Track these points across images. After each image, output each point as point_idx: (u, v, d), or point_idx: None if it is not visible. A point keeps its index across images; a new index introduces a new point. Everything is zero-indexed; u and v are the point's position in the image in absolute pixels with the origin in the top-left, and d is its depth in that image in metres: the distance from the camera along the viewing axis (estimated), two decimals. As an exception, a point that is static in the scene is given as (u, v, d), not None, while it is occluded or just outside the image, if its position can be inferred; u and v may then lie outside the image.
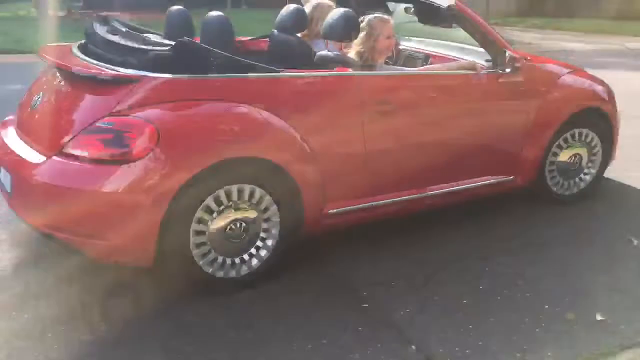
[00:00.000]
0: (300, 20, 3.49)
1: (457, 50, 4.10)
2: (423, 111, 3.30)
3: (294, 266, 2.97)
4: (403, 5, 4.16)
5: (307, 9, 3.69)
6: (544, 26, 17.59)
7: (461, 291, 2.87)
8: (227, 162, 2.61)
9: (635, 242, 3.48)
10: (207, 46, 2.84)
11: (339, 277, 2.99)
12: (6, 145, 2.94)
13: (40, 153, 2.68)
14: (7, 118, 3.27)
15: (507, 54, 3.53)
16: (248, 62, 2.85)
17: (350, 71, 3.13)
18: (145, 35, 3.37)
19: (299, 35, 3.54)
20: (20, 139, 2.93)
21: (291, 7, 3.49)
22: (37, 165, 2.62)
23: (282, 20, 3.49)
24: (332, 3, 3.77)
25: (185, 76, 2.67)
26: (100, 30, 3.16)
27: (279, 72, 2.86)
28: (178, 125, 2.63)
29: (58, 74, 2.94)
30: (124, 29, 3.29)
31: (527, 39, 12.97)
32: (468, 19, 3.53)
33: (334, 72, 3.09)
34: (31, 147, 2.80)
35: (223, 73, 2.75)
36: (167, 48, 2.81)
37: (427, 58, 4.22)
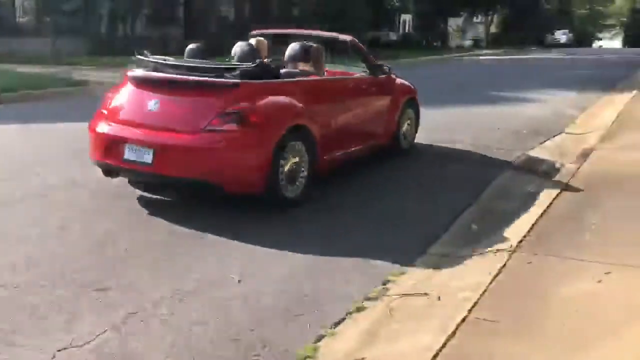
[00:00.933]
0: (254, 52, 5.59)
1: (345, 67, 6.96)
2: (349, 100, 5.98)
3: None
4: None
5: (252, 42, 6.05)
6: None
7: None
8: (291, 128, 4.83)
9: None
10: (270, 64, 5.25)
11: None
12: (134, 137, 4.71)
13: (183, 133, 4.59)
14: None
15: (378, 68, 6.60)
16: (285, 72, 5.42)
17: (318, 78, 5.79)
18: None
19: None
20: (138, 134, 4.73)
21: (245, 44, 5.79)
22: (189, 140, 4.54)
23: (243, 52, 5.58)
24: (264, 39, 6.31)
25: (262, 81, 4.91)
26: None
27: (297, 79, 5.42)
28: (268, 109, 4.83)
29: (167, 85, 4.93)
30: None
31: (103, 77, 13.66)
32: (358, 47, 6.54)
33: (324, 77, 5.96)
34: (169, 129, 4.65)
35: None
36: (247, 65, 4.85)
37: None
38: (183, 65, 5.16)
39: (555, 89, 13.94)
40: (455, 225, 4.70)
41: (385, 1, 31.52)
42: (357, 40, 6.50)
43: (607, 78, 16.91)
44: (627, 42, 74.59)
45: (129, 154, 4.70)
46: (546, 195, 5.10)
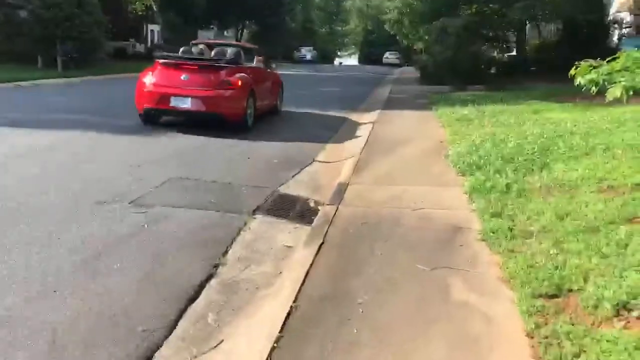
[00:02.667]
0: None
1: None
2: (264, 79, 11.20)
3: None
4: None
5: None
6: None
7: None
8: (250, 90, 9.84)
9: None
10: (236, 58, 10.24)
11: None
12: (180, 92, 9.26)
13: (206, 90, 9.29)
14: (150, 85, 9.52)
15: (271, 63, 12.52)
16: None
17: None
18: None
19: None
20: (180, 91, 9.28)
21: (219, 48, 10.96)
22: (212, 94, 9.30)
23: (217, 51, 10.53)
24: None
25: (235, 66, 9.86)
26: (194, 49, 11.15)
27: (247, 65, 10.69)
28: (241, 80, 9.61)
29: (186, 65, 9.57)
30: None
31: None
32: (259, 51, 12.10)
33: (255, 66, 11.17)
34: (195, 90, 9.26)
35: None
36: (226, 58, 9.98)
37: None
38: (190, 57, 10.17)
39: (303, 109, 13.57)
40: (185, 319, 3.33)
41: (125, 10, 28.93)
42: (259, 47, 12.85)
43: (352, 96, 17.38)
44: (362, 60, 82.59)
45: (174, 102, 9.29)
46: (301, 261, 4.01)
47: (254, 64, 11.14)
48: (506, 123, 9.34)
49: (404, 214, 5.04)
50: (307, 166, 7.41)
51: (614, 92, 4.80)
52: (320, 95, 17.35)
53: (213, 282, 3.85)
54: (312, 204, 5.87)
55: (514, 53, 29.46)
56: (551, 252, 3.72)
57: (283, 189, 6.28)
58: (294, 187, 6.40)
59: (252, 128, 9.87)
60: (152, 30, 53.98)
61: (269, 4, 43.75)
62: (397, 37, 53.24)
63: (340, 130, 10.25)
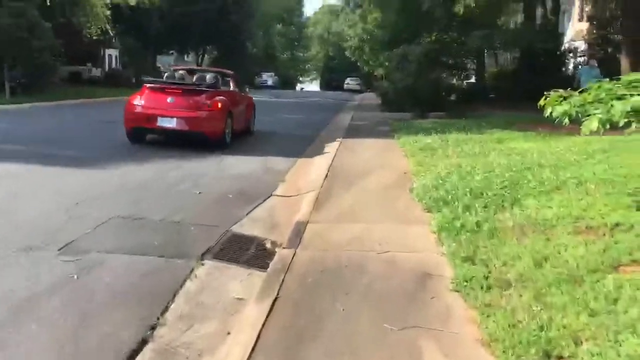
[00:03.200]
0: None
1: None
2: (239, 102, 12.42)
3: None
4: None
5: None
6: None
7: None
8: (228, 112, 11.02)
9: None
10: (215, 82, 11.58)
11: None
12: (166, 113, 10.35)
13: (189, 111, 10.36)
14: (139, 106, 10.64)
15: (245, 88, 14.28)
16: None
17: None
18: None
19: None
20: (166, 112, 10.36)
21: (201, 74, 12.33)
22: (195, 114, 10.38)
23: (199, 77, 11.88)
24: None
25: (214, 90, 11.10)
26: (176, 74, 12.45)
27: (224, 89, 12.06)
28: (224, 102, 10.96)
29: (170, 89, 10.72)
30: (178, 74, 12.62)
31: None
32: (235, 77, 13.29)
33: (232, 90, 12.63)
34: (180, 111, 10.34)
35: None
36: (207, 82, 11.28)
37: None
38: (175, 82, 11.36)
39: (263, 138, 13.11)
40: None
41: (80, 34, 28.15)
42: (235, 73, 13.68)
43: (313, 123, 17.03)
44: (323, 85, 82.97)
45: (161, 122, 10.40)
46: (252, 320, 3.49)
47: (231, 88, 12.55)
48: (471, 153, 9.05)
49: (368, 258, 4.58)
50: (264, 201, 6.91)
51: (590, 125, 4.50)
52: (280, 122, 16.93)
53: (148, 348, 3.30)
54: (268, 245, 5.37)
55: (473, 80, 29.81)
56: (533, 307, 3.31)
57: (237, 228, 5.76)
58: (249, 226, 5.88)
59: (214, 154, 9.47)
60: (109, 55, 53.04)
61: (229, 30, 43.44)
62: (358, 64, 53.75)
63: (300, 161, 9.79)
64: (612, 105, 4.63)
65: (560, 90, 5.37)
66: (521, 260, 4.08)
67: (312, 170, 8.64)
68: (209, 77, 11.53)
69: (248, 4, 47.06)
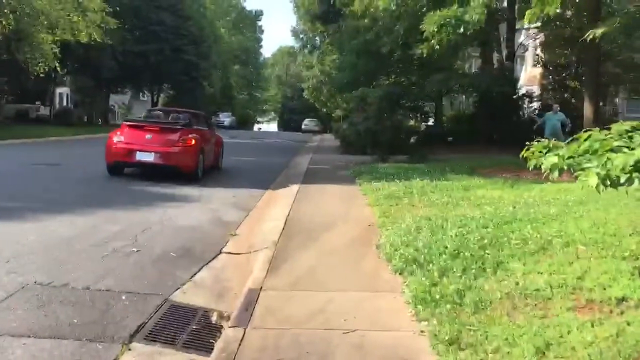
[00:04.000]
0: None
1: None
2: (209, 140, 13.52)
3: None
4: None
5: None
6: None
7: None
8: (200, 148, 12.10)
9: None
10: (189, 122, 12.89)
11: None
12: (144, 148, 11.46)
13: (166, 147, 11.45)
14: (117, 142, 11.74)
15: (213, 127, 15.48)
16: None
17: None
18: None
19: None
20: (144, 147, 11.46)
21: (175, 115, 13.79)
22: (170, 149, 11.47)
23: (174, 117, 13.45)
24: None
25: (189, 129, 12.20)
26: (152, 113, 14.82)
27: (195, 128, 12.96)
28: (198, 139, 11.99)
29: (148, 127, 11.90)
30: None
31: None
32: (204, 116, 15.56)
33: (202, 128, 13.65)
34: (157, 146, 11.44)
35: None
36: (182, 122, 12.54)
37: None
38: (152, 120, 12.80)
39: (214, 184, 12.25)
40: None
41: (27, 70, 26.94)
42: (204, 113, 16.29)
43: (270, 166, 16.29)
44: (281, 125, 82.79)
45: (140, 156, 11.43)
46: None
47: (202, 127, 13.62)
48: (439, 203, 8.44)
49: (333, 339, 3.79)
50: (212, 260, 6.06)
51: (589, 181, 3.89)
52: (236, 165, 16.11)
53: None
54: (213, 319, 4.54)
55: (431, 123, 29.82)
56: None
57: (177, 297, 4.91)
58: (192, 293, 5.03)
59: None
60: (60, 93, 51.45)
61: (184, 69, 42.71)
62: (316, 105, 53.75)
63: (254, 210, 8.99)
64: (608, 159, 4.06)
65: (561, 143, 4.76)
66: (518, 346, 3.37)
67: (267, 222, 7.84)
68: (182, 116, 13.19)
69: (204, 44, 46.56)
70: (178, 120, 12.61)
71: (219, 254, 6.32)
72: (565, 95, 22.22)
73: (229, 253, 6.42)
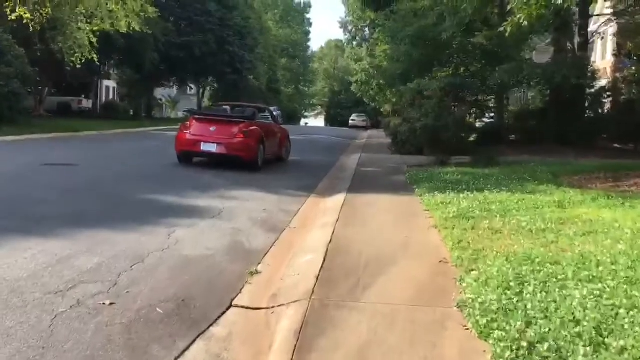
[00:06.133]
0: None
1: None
2: (272, 133, 14.54)
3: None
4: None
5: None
6: None
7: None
8: (260, 138, 13.09)
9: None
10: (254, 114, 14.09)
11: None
12: (208, 139, 12.59)
13: (228, 138, 12.54)
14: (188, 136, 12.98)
15: (277, 121, 17.13)
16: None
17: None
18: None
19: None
20: (208, 138, 12.62)
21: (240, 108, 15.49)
22: (232, 140, 12.52)
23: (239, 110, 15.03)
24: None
25: (250, 121, 13.32)
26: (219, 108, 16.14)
27: (258, 121, 14.25)
28: (257, 131, 13.11)
29: (213, 119, 13.23)
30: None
31: None
32: (270, 111, 17.02)
33: (265, 122, 15.09)
34: (220, 137, 12.56)
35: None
36: (245, 115, 13.76)
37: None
38: (216, 114, 14.09)
39: (240, 188, 10.38)
40: None
41: (63, 61, 25.91)
42: (270, 108, 18.83)
43: (314, 167, 14.36)
44: (329, 121, 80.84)
45: (204, 146, 12.56)
46: None
47: (265, 120, 14.83)
48: (532, 228, 6.28)
49: None
50: (214, 322, 4.14)
51: None
52: (275, 165, 14.25)
53: None
54: None
55: (487, 120, 27.29)
56: None
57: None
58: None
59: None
60: (107, 87, 51.03)
61: (229, 62, 41.25)
62: (364, 100, 51.45)
63: (287, 232, 7.02)
64: None
65: None
66: None
67: (302, 254, 5.85)
68: (247, 110, 14.19)
69: (250, 36, 45.00)
70: (241, 114, 13.76)
71: (228, 309, 4.39)
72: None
73: (242, 307, 4.47)
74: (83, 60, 26.00)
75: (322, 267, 5.17)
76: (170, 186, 9.84)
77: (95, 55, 26.00)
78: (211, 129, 12.65)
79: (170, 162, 13.21)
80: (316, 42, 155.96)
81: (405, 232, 6.70)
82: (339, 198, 9.01)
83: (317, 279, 4.82)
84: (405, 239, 6.34)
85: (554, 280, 4.32)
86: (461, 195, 8.50)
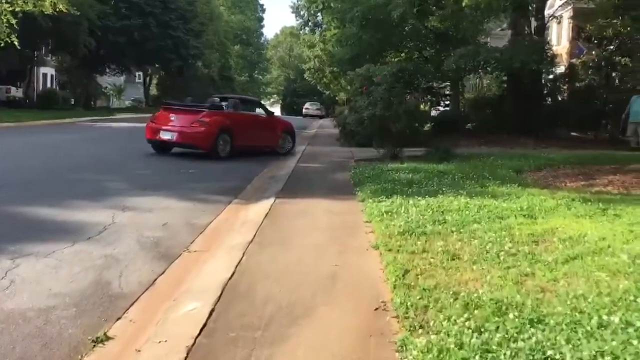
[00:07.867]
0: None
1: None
2: (249, 123, 14.68)
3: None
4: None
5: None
6: None
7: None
8: (229, 128, 13.44)
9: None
10: (219, 104, 14.55)
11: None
12: (167, 128, 13.02)
13: (184, 127, 12.84)
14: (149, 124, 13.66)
15: (268, 112, 16.77)
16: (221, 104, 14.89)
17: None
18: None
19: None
20: (167, 127, 13.05)
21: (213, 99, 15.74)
22: (187, 129, 12.80)
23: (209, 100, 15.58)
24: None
25: (213, 111, 13.64)
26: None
27: (225, 111, 14.33)
28: (216, 120, 13.14)
29: (176, 109, 13.85)
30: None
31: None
32: (259, 102, 18.06)
33: (235, 112, 14.63)
34: (176, 126, 12.95)
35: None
36: (209, 105, 14.29)
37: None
38: (182, 103, 15.51)
39: (148, 193, 8.65)
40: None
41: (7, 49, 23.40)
42: (259, 100, 22.91)
43: (250, 163, 12.68)
44: (284, 109, 78.96)
45: (163, 134, 12.96)
46: None
47: (247, 112, 15.24)
48: (502, 255, 4.79)
49: None
50: None
51: None
52: (205, 161, 12.55)
53: None
54: None
55: (441, 108, 26.10)
56: None
57: None
58: None
59: None
60: (44, 74, 47.84)
61: (173, 48, 38.87)
62: (319, 87, 49.78)
63: (180, 259, 5.32)
64: None
65: None
66: None
67: (185, 298, 4.20)
68: (217, 100, 14.67)
69: (195, 20, 42.62)
70: (211, 104, 14.16)
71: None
72: (614, 74, 18.41)
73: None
74: (2, 44, 23.50)
75: (204, 325, 3.55)
76: (57, 191, 8.02)
77: (15, 39, 23.53)
78: (172, 117, 13.16)
79: (87, 159, 11.29)
80: (271, 29, 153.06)
81: (335, 256, 5.13)
82: (264, 205, 7.38)
83: (189, 352, 3.20)
84: (334, 268, 4.78)
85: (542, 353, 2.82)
86: (411, 202, 6.99)
